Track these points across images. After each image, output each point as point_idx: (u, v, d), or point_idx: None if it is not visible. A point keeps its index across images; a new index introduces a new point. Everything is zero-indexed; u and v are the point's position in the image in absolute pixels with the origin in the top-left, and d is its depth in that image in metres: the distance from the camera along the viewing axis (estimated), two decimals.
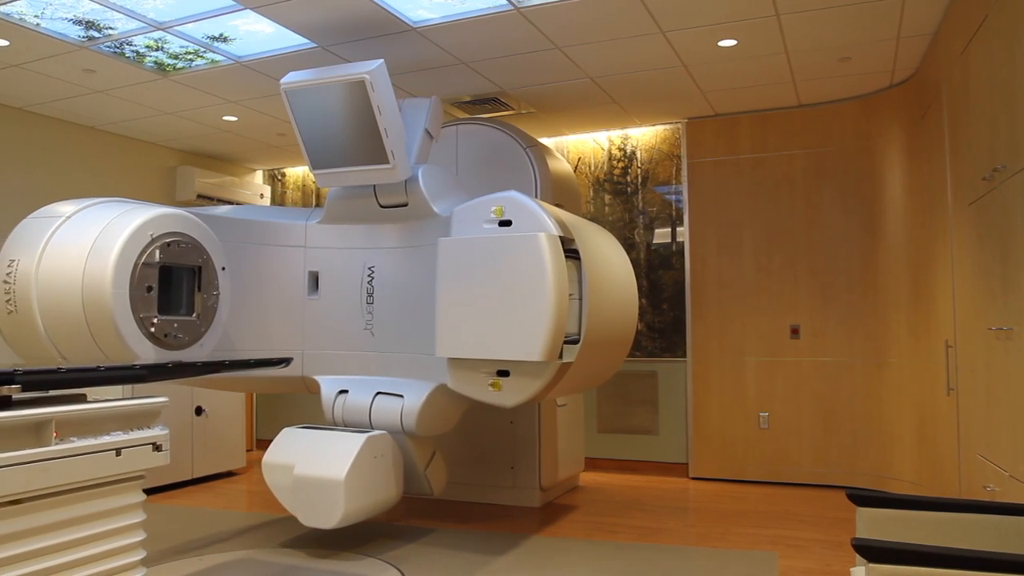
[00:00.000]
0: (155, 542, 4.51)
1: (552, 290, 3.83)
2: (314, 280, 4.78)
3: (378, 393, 4.43)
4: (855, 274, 6.08)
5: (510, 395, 4.02)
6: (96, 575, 2.65)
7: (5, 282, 3.66)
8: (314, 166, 4.56)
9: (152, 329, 3.71)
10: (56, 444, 2.51)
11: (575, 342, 4.11)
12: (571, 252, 4.11)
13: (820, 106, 6.24)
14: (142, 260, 3.66)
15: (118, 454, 2.73)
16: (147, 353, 3.67)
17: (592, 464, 6.78)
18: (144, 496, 2.89)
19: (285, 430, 4.34)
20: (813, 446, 6.16)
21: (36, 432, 2.49)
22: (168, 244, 3.81)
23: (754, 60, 5.22)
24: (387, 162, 4.32)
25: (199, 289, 4.00)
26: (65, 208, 3.82)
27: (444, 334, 4.10)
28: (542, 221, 3.95)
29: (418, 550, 4.45)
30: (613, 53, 5.07)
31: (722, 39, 4.85)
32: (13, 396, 2.55)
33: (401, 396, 4.36)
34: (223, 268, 4.15)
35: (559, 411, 5.76)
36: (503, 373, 4.02)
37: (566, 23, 4.58)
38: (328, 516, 4.01)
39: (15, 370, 2.58)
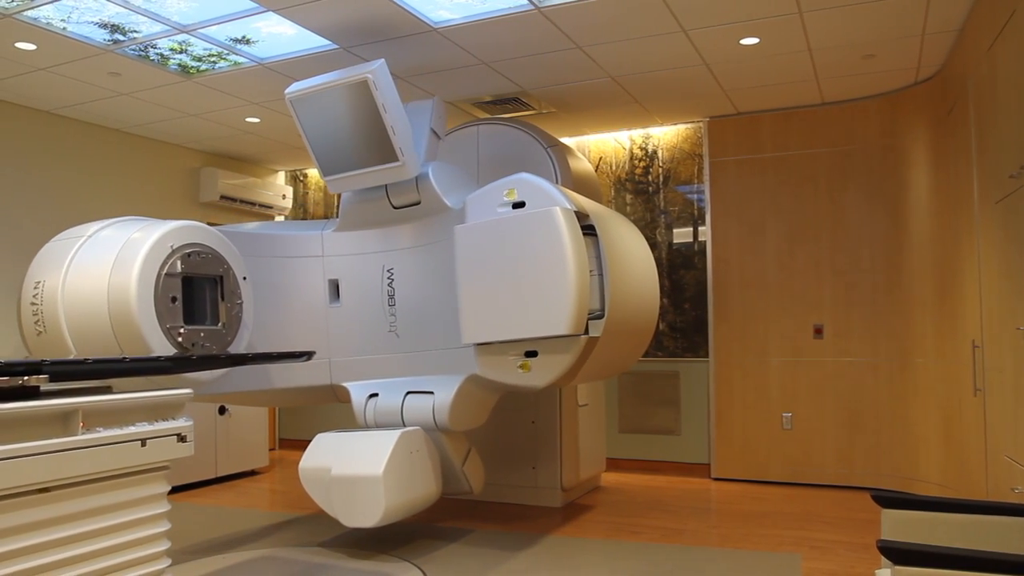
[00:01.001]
0: (179, 540, 4.56)
1: (572, 261, 3.84)
2: (335, 288, 4.78)
3: (408, 393, 4.43)
4: (879, 273, 6.02)
5: (540, 375, 4.01)
6: (123, 563, 2.68)
7: (32, 303, 3.71)
8: (325, 172, 4.58)
9: (179, 339, 3.74)
10: (83, 434, 2.55)
11: (599, 317, 4.12)
12: (587, 228, 4.12)
13: (844, 104, 6.18)
14: (164, 271, 3.69)
15: (143, 444, 2.76)
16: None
17: (613, 464, 6.77)
18: (168, 485, 2.92)
19: (318, 436, 4.31)
20: (837, 447, 6.11)
21: (63, 422, 2.53)
22: (188, 255, 3.84)
23: (777, 58, 5.19)
24: (397, 160, 4.33)
25: (222, 299, 4.03)
26: (85, 229, 3.89)
27: (468, 320, 4.11)
28: (555, 197, 3.99)
29: (439, 549, 4.46)
30: (634, 52, 5.05)
31: (744, 37, 4.82)
32: (41, 387, 2.59)
33: (431, 393, 4.36)
34: (244, 278, 4.18)
35: (580, 411, 5.76)
36: (531, 354, 4.02)
37: (587, 22, 4.57)
38: (370, 514, 3.98)
39: (43, 361, 2.62)
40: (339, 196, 5.58)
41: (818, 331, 6.20)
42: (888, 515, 2.46)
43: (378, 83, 4.21)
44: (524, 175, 4.13)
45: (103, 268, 3.64)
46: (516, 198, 4.07)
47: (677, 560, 4.22)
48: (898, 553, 1.88)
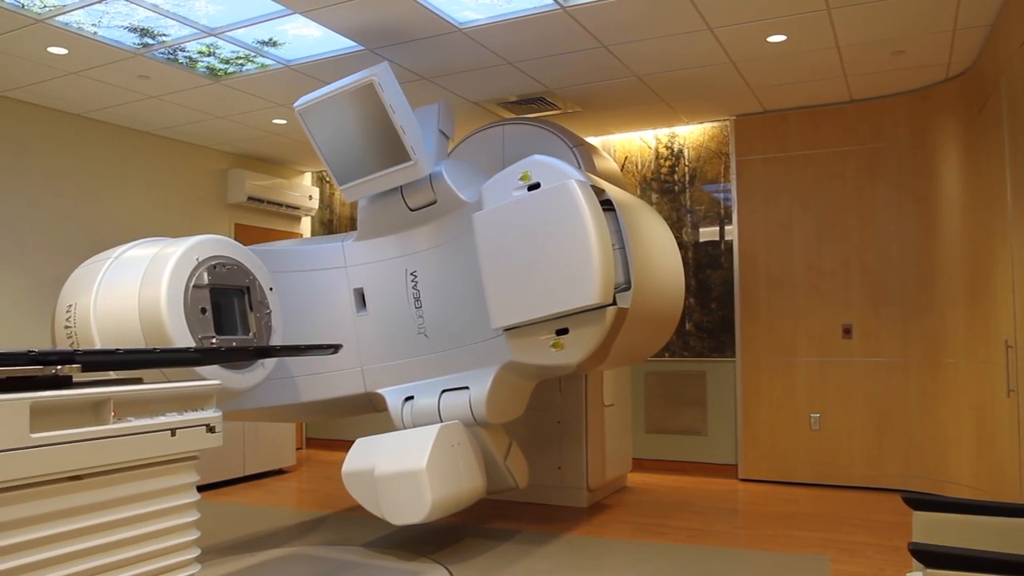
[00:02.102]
0: (208, 537, 4.60)
1: (593, 230, 3.86)
2: (360, 297, 4.79)
3: (444, 391, 4.43)
4: (909, 272, 5.95)
5: (573, 351, 4.02)
6: (154, 552, 2.72)
7: (67, 327, 3.78)
8: (340, 181, 4.60)
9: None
10: (114, 423, 2.59)
11: (626, 290, 4.13)
12: (605, 204, 4.13)
13: (873, 101, 6.11)
14: (192, 283, 3.73)
15: (173, 434, 2.79)
16: (210, 371, 3.73)
17: (639, 465, 6.74)
18: (197, 476, 2.96)
19: (357, 440, 4.30)
20: (866, 448, 6.04)
21: (95, 411, 2.57)
22: (214, 266, 3.88)
23: (804, 55, 5.14)
24: (409, 159, 4.35)
25: (251, 309, 4.06)
26: (111, 252, 3.97)
27: (496, 304, 4.12)
28: (569, 172, 4.03)
29: (465, 549, 4.47)
30: (660, 51, 5.03)
31: (771, 34, 4.78)
32: (74, 376, 2.63)
33: (467, 388, 4.36)
34: (270, 288, 4.21)
35: (606, 411, 5.74)
36: (562, 332, 4.03)
37: (612, 21, 4.56)
38: (417, 509, 3.95)
39: (75, 350, 2.66)
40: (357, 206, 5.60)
41: (847, 331, 6.14)
42: (919, 517, 2.43)
43: (384, 84, 4.24)
44: (536, 156, 4.17)
45: (132, 284, 3.70)
46: (531, 180, 4.10)
47: (703, 561, 4.20)
48: (930, 556, 1.86)
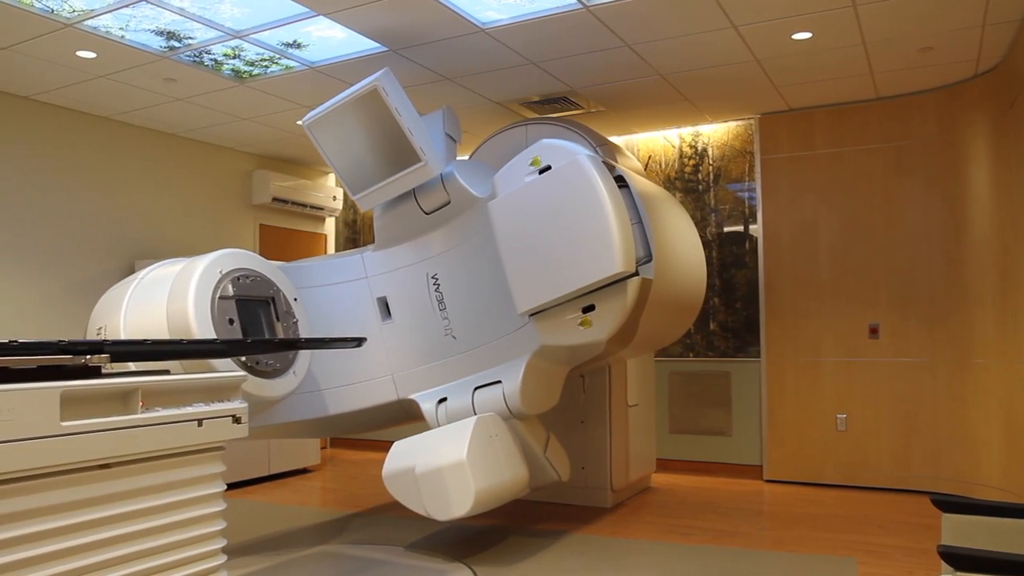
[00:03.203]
0: (234, 536, 4.64)
1: (607, 200, 3.88)
2: (384, 305, 4.79)
3: (476, 388, 4.43)
4: (937, 271, 5.88)
5: (602, 326, 4.03)
6: (181, 541, 2.76)
7: None
8: (354, 191, 4.62)
9: (243, 358, 3.80)
10: (142, 412, 2.62)
11: (648, 262, 4.16)
12: (618, 180, 4.15)
13: (900, 98, 6.04)
14: (217, 294, 3.77)
15: (200, 425, 2.83)
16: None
17: (664, 465, 6.71)
18: (223, 466, 2.98)
19: (395, 443, 4.28)
20: (893, 449, 5.98)
21: (123, 401, 2.61)
22: (237, 278, 3.92)
23: (830, 52, 5.09)
24: (419, 159, 4.36)
25: (277, 319, 4.09)
26: (134, 275, 4.03)
27: (520, 289, 4.13)
28: (578, 150, 4.06)
29: (489, 549, 4.48)
30: (684, 49, 5.01)
31: (796, 32, 4.74)
32: (103, 367, 2.68)
33: (499, 382, 4.36)
34: (295, 299, 4.24)
35: (630, 411, 5.72)
36: (588, 309, 4.04)
37: (636, 20, 4.54)
38: (462, 501, 3.91)
39: (104, 341, 2.70)
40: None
41: (873, 331, 6.07)
42: (948, 519, 2.40)
43: (387, 89, 4.26)
44: (545, 140, 4.20)
45: (159, 300, 3.75)
46: (541, 164, 4.13)
47: (729, 563, 4.17)
48: (960, 559, 1.84)
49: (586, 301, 4.04)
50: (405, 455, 4.14)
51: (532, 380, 4.34)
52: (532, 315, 4.20)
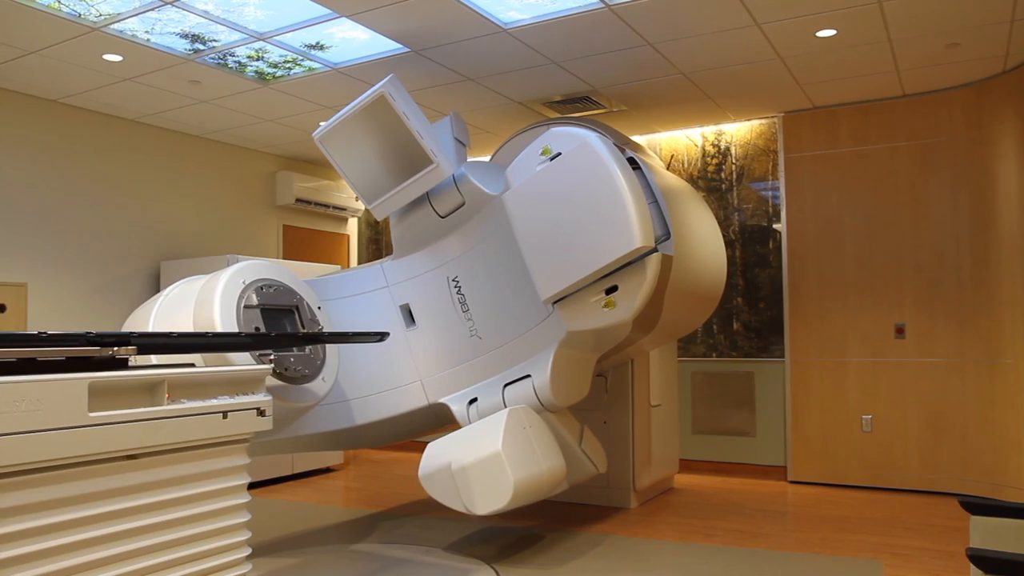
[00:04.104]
0: (258, 534, 4.68)
1: (620, 178, 3.88)
2: (407, 312, 4.78)
3: (506, 385, 4.42)
4: (965, 270, 5.80)
5: (626, 304, 4.04)
6: (206, 532, 2.78)
7: None
8: (369, 200, 4.61)
9: (271, 364, 3.81)
10: (168, 404, 2.65)
11: (666, 239, 4.19)
12: (630, 162, 4.16)
13: (926, 95, 5.97)
14: (242, 303, 3.79)
15: (225, 417, 2.86)
16: (271, 384, 3.74)
17: (687, 466, 6.68)
18: (248, 458, 3.01)
19: (428, 445, 4.25)
20: (920, 451, 5.91)
21: (150, 392, 2.65)
22: (261, 288, 3.94)
23: (855, 50, 5.04)
24: (431, 162, 4.37)
25: (303, 327, 4.11)
26: (160, 293, 4.08)
27: (541, 276, 4.13)
28: (586, 133, 4.07)
29: (512, 549, 4.48)
30: (706, 48, 4.98)
31: (820, 29, 4.70)
32: (130, 359, 2.71)
33: (528, 376, 4.35)
34: (319, 307, 4.25)
35: (653, 412, 5.70)
36: (611, 291, 4.05)
37: (658, 19, 4.53)
38: (501, 493, 3.88)
39: (131, 333, 2.74)
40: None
41: (899, 331, 6.01)
42: (977, 522, 2.37)
43: (394, 95, 4.28)
44: (553, 128, 4.22)
45: (186, 313, 3.79)
46: (552, 152, 4.15)
47: (753, 564, 4.14)
48: (989, 562, 1.81)
49: (609, 282, 4.05)
50: (440, 454, 4.13)
51: (561, 371, 4.34)
52: (556, 302, 4.20)
